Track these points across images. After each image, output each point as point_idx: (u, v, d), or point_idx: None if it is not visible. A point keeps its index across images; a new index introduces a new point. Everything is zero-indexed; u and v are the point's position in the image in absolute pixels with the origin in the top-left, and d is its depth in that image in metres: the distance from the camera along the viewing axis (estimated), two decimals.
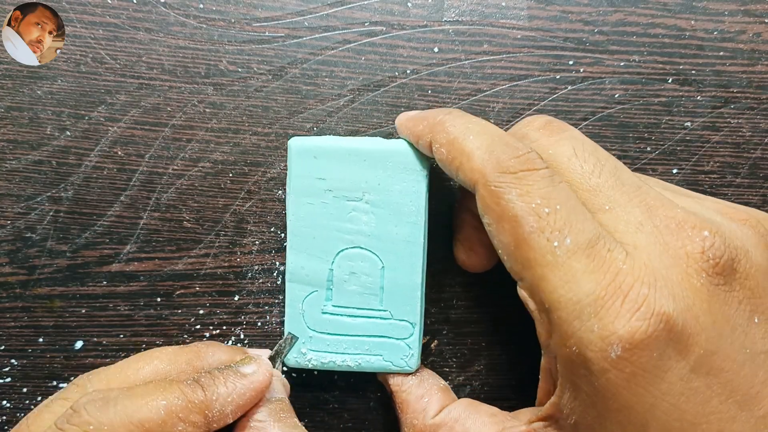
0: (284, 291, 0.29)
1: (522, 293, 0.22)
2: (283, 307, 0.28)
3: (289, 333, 0.27)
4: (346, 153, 0.26)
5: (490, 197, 0.21)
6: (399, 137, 0.27)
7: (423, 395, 0.27)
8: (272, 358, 0.26)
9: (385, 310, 0.27)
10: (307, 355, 0.27)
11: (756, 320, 0.20)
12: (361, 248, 0.27)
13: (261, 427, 0.23)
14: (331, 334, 0.27)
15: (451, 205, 0.29)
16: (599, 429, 0.20)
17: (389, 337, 0.27)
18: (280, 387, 0.25)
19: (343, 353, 0.27)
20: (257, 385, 0.23)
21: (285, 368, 0.27)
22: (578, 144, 0.23)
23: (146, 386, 0.22)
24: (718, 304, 0.20)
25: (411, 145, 0.26)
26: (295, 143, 0.27)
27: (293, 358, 0.27)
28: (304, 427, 0.24)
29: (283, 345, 0.26)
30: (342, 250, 0.27)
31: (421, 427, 0.26)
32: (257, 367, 0.24)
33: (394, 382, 0.27)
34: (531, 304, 0.21)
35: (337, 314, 0.27)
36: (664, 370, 0.19)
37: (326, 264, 0.27)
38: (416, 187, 0.26)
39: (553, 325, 0.20)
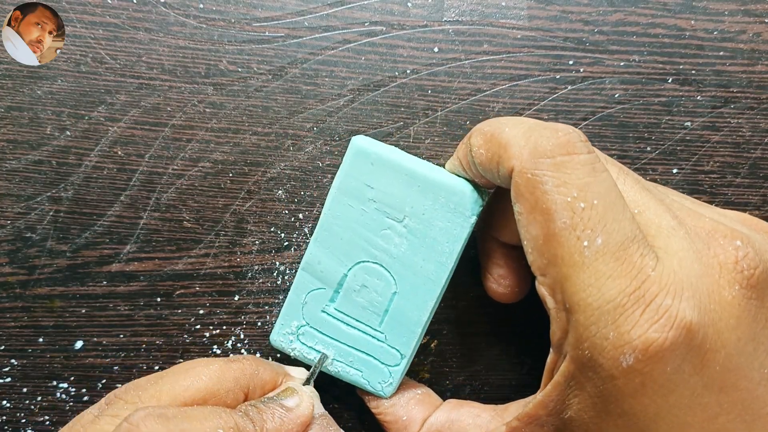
0: (284, 291, 0.29)
1: (541, 290, 0.21)
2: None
3: (323, 354, 0.27)
4: (402, 171, 0.25)
5: (525, 185, 0.20)
6: (454, 171, 0.26)
7: (402, 415, 0.27)
8: (308, 379, 0.27)
9: (381, 333, 0.27)
10: (293, 343, 0.27)
11: None
12: (382, 266, 0.26)
13: None
14: (322, 333, 0.27)
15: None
16: (594, 429, 0.20)
17: (376, 359, 0.27)
18: (318, 402, 0.26)
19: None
20: (302, 420, 0.24)
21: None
22: (599, 154, 0.22)
23: (203, 410, 0.22)
24: (747, 320, 0.19)
25: (471, 186, 0.25)
26: (358, 141, 0.26)
27: (279, 342, 0.27)
28: None
29: (317, 366, 0.27)
30: (362, 261, 0.26)
31: None
32: (300, 401, 0.24)
33: (372, 405, 0.28)
34: (550, 302, 0.21)
35: (336, 318, 0.27)
36: (676, 383, 0.18)
37: (343, 268, 0.27)
38: (458, 231, 0.25)
39: (570, 326, 0.20)
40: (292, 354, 0.27)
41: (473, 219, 0.25)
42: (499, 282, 0.27)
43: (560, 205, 0.19)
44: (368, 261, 0.26)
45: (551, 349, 0.22)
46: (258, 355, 0.30)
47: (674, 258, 0.19)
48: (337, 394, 0.30)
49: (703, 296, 0.19)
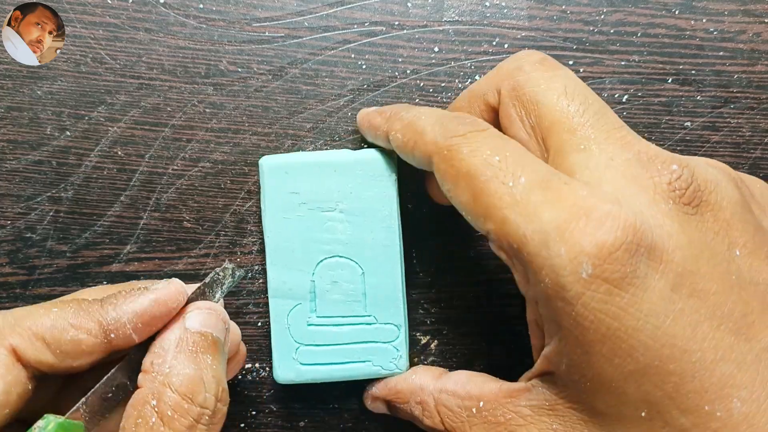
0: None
1: (493, 247, 0.22)
2: None
3: (229, 262, 0.24)
4: (316, 166, 0.27)
5: (444, 162, 0.22)
6: (366, 147, 0.28)
7: (410, 375, 0.26)
8: (206, 290, 0.23)
9: (369, 315, 0.27)
10: (299, 369, 0.27)
11: (738, 253, 0.20)
12: (340, 257, 0.27)
13: (160, 353, 0.21)
14: (319, 345, 0.27)
15: (430, 206, 0.29)
16: (589, 369, 0.19)
17: (376, 342, 0.27)
18: (213, 321, 0.22)
19: (333, 363, 0.27)
20: (159, 297, 0.22)
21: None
22: (570, 82, 0.23)
23: (46, 302, 0.22)
24: (691, 229, 0.19)
25: (378, 152, 0.27)
26: (266, 161, 0.27)
27: (286, 377, 0.27)
28: (218, 368, 0.22)
29: (220, 274, 0.24)
30: (321, 261, 0.27)
31: (427, 394, 0.25)
32: (166, 284, 0.22)
33: (378, 387, 0.27)
34: (503, 255, 0.21)
35: (323, 324, 0.27)
36: (642, 288, 0.18)
37: (307, 276, 0.27)
38: (386, 192, 0.27)
39: (526, 264, 0.20)
40: (306, 380, 0.27)
41: (394, 176, 0.27)
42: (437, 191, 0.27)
43: (478, 164, 0.21)
44: (326, 257, 0.27)
45: (527, 305, 0.22)
46: (263, 372, 0.30)
47: (607, 184, 0.20)
48: (337, 394, 0.30)
49: (643, 206, 0.19)
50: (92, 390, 0.21)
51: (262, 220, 0.28)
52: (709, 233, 0.20)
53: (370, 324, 0.27)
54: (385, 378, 0.27)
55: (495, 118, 0.25)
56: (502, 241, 0.20)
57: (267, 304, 0.28)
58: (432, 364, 0.30)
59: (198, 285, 0.23)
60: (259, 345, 0.30)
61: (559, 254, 0.19)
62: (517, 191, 0.20)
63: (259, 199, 0.29)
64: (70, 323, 0.21)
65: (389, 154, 0.27)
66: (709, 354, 0.18)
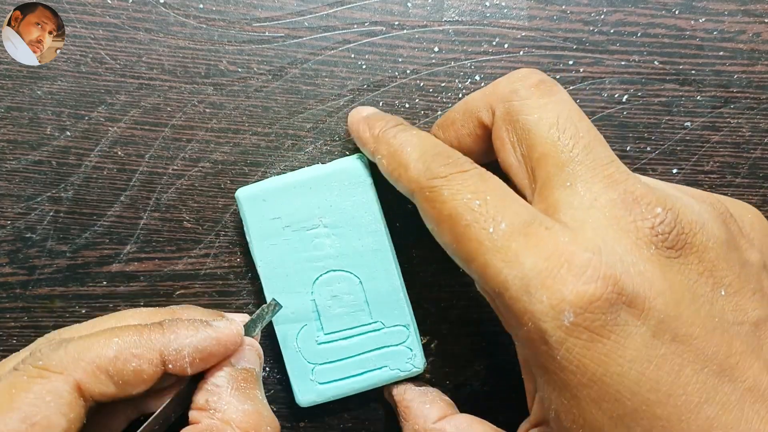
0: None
1: (478, 287, 0.22)
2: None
3: (273, 299, 0.26)
4: (291, 187, 0.27)
5: (426, 203, 0.22)
6: (340, 157, 0.28)
7: (425, 402, 0.27)
8: (250, 325, 0.25)
9: (376, 322, 0.27)
10: (319, 389, 0.27)
11: (723, 293, 0.20)
12: (334, 270, 0.27)
13: (215, 391, 0.22)
14: (333, 362, 0.27)
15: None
16: (579, 414, 0.19)
17: (388, 346, 0.27)
18: (253, 357, 0.24)
19: (350, 377, 0.27)
20: (220, 337, 0.23)
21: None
22: (563, 111, 0.22)
23: (104, 331, 0.22)
24: (673, 273, 0.19)
25: (349, 160, 0.27)
26: (242, 193, 0.27)
27: (308, 399, 0.27)
28: (265, 402, 0.23)
29: (265, 311, 0.26)
30: (317, 278, 0.27)
31: (426, 430, 0.26)
32: (227, 323, 0.23)
33: (398, 392, 0.27)
34: (488, 298, 0.21)
35: (332, 341, 0.27)
36: (623, 336, 0.19)
37: (306, 296, 0.27)
38: (365, 197, 0.27)
39: (508, 308, 0.20)
40: (328, 398, 0.28)
41: (369, 180, 0.27)
42: None
43: (459, 208, 0.21)
44: (320, 274, 0.27)
45: (516, 347, 0.22)
46: (267, 369, 0.30)
47: (589, 227, 0.20)
48: None
49: (624, 252, 0.19)
50: (144, 424, 0.22)
51: (250, 251, 0.28)
52: (692, 276, 0.20)
53: (378, 330, 0.27)
54: (407, 379, 0.28)
55: (487, 136, 0.25)
56: (487, 286, 0.21)
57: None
58: (432, 364, 0.30)
59: (246, 321, 0.25)
60: (260, 345, 0.30)
61: (540, 300, 0.19)
62: (497, 237, 0.20)
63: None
64: (133, 353, 0.21)
65: (360, 159, 0.27)
66: (694, 397, 0.18)
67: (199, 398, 0.22)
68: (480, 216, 0.20)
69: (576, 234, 0.20)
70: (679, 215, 0.20)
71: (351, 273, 0.27)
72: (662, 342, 0.19)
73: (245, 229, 0.27)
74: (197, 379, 0.23)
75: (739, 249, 0.21)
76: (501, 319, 0.22)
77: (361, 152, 0.28)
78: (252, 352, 0.24)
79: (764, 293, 0.21)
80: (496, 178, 0.22)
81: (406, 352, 0.27)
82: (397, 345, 0.27)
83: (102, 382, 0.21)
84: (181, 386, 0.23)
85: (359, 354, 0.27)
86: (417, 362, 0.27)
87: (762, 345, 0.20)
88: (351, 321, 0.27)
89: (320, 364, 0.27)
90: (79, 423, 0.20)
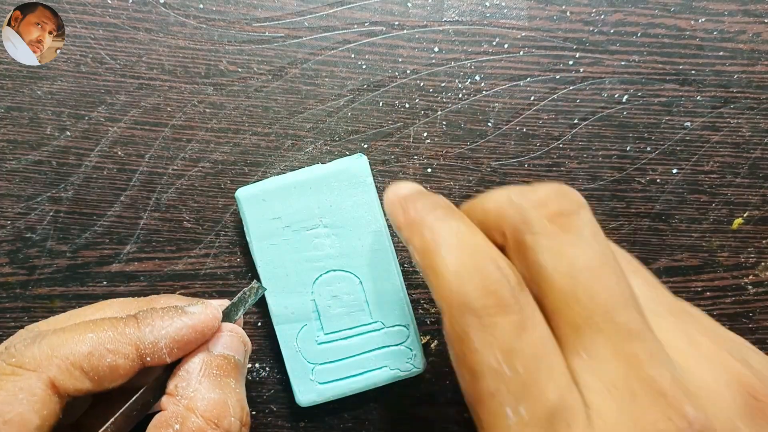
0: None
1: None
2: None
3: (255, 281, 0.25)
4: (291, 187, 0.27)
5: (453, 335, 0.19)
6: (340, 157, 0.28)
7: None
8: (231, 310, 0.24)
9: (375, 322, 0.27)
10: (319, 389, 0.27)
11: None
12: (335, 270, 0.27)
13: (185, 377, 0.21)
14: (333, 361, 0.27)
15: None
16: None
17: (388, 346, 0.27)
18: (235, 344, 0.23)
19: (350, 377, 0.27)
20: (196, 323, 0.22)
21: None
22: (581, 256, 0.19)
23: (77, 325, 0.21)
24: None
25: (348, 160, 0.27)
26: (242, 193, 0.27)
27: (308, 399, 0.27)
28: (239, 391, 0.22)
29: (247, 294, 0.24)
30: (317, 278, 0.27)
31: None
32: (203, 309, 0.22)
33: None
34: None
35: (332, 340, 0.27)
36: None
37: (307, 296, 0.27)
38: (366, 197, 0.27)
39: None
40: (328, 398, 0.28)
41: (369, 179, 0.27)
42: None
43: (485, 368, 0.18)
44: (321, 274, 0.27)
45: None
46: (264, 372, 0.30)
47: (607, 424, 0.17)
48: None
49: None
50: (120, 411, 0.21)
51: (250, 251, 0.28)
52: None
53: (378, 330, 0.27)
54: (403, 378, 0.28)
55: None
56: None
57: (266, 304, 0.28)
58: (432, 364, 0.30)
59: (226, 305, 0.24)
60: (259, 345, 0.30)
61: None
62: (512, 423, 0.17)
63: None
64: (108, 349, 0.20)
65: (360, 158, 0.27)
66: None
67: (170, 383, 0.22)
68: (504, 388, 0.18)
69: None
70: (710, 418, 0.17)
71: (351, 273, 0.27)
72: None
73: (245, 229, 0.27)
74: (177, 363, 0.22)
75: None
76: None
77: (361, 152, 0.28)
78: (233, 338, 0.23)
79: None
80: (538, 330, 0.18)
81: (406, 352, 0.27)
82: (397, 345, 0.27)
83: (77, 378, 0.20)
84: (159, 372, 0.22)
85: (359, 354, 0.27)
86: (417, 362, 0.27)
87: None
88: (351, 321, 0.27)
89: (320, 364, 0.27)
90: (53, 419, 0.20)
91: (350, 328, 0.27)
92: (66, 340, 0.20)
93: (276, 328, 0.27)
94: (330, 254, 0.27)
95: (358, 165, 0.27)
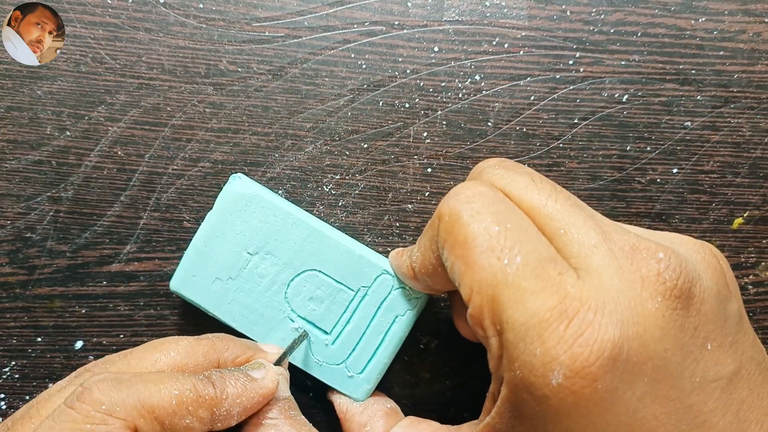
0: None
1: (470, 320, 0.21)
2: None
3: (303, 330, 0.27)
4: (202, 246, 0.27)
5: (445, 228, 0.21)
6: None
7: (366, 423, 0.27)
8: (281, 358, 0.26)
9: (358, 290, 0.27)
10: (362, 378, 0.28)
11: (709, 347, 0.20)
12: (292, 279, 0.27)
13: (274, 424, 0.24)
14: (354, 348, 0.27)
15: None
16: None
17: (385, 299, 0.27)
18: (286, 385, 0.25)
19: (378, 347, 0.28)
20: (265, 392, 0.24)
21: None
22: (535, 175, 0.22)
23: (160, 374, 0.22)
24: (673, 331, 0.19)
25: (228, 187, 0.27)
26: (175, 284, 0.27)
27: (360, 393, 0.28)
28: (310, 423, 0.25)
29: (296, 343, 0.27)
30: (285, 296, 0.27)
31: None
32: (266, 374, 0.24)
33: (339, 408, 0.28)
34: (480, 331, 0.21)
35: (339, 333, 0.27)
36: (611, 402, 0.18)
37: (289, 316, 0.27)
38: (264, 205, 0.27)
39: (503, 348, 0.20)
40: (377, 379, 0.28)
41: (254, 187, 0.27)
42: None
43: (477, 232, 0.20)
44: (285, 290, 0.27)
45: (492, 378, 0.22)
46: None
47: (594, 275, 0.19)
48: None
49: (626, 310, 0.19)
50: None
51: (221, 320, 0.28)
52: (689, 330, 0.19)
53: (365, 294, 0.27)
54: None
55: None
56: (485, 321, 0.20)
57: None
58: (432, 364, 0.30)
59: (279, 355, 0.26)
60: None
61: (533, 354, 0.19)
62: (510, 270, 0.19)
63: None
64: (188, 410, 0.21)
65: (234, 181, 0.27)
66: None
67: None
68: (497, 244, 0.20)
69: (583, 285, 0.19)
70: (682, 261, 0.20)
71: (306, 271, 0.27)
72: (644, 405, 0.19)
73: (201, 308, 0.28)
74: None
75: (724, 300, 0.21)
76: (489, 355, 0.21)
77: (230, 177, 0.28)
78: (284, 381, 0.25)
79: (738, 344, 0.20)
80: (516, 208, 0.21)
81: (405, 293, 0.27)
82: (390, 293, 0.27)
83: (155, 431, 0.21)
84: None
85: (369, 325, 0.27)
86: (417, 293, 0.27)
87: (732, 401, 0.20)
88: (339, 306, 0.27)
89: (347, 358, 0.27)
90: None
91: (344, 312, 0.27)
92: (153, 393, 0.21)
93: (290, 362, 0.27)
94: (277, 271, 0.27)
95: (236, 186, 0.27)
